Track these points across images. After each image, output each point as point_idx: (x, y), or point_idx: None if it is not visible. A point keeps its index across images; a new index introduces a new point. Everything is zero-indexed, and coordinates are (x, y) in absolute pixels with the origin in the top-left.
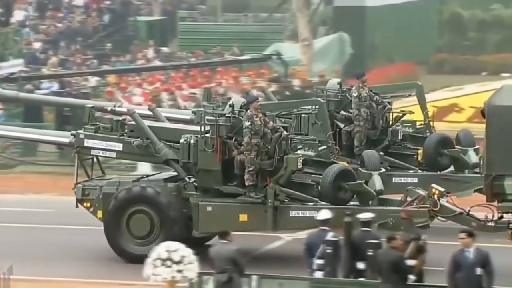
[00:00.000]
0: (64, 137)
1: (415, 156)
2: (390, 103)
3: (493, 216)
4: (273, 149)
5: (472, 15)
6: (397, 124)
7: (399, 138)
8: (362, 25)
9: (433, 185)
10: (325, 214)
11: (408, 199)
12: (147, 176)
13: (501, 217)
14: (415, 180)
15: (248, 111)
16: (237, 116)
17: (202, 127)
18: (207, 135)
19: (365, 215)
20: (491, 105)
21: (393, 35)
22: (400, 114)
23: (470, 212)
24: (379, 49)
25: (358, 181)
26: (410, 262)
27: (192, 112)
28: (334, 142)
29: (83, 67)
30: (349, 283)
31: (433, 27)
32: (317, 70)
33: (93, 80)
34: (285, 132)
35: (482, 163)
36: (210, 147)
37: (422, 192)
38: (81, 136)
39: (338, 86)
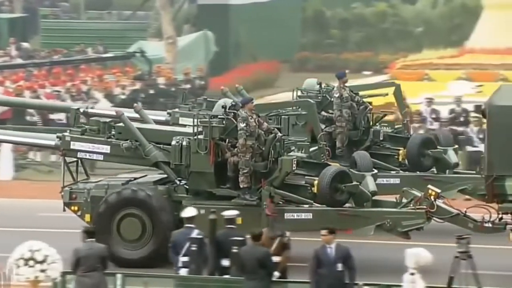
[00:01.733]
0: (50, 139)
1: (396, 157)
2: (370, 103)
3: (490, 217)
4: (268, 151)
5: (334, 13)
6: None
7: (381, 138)
8: (226, 23)
9: (430, 186)
10: (190, 211)
11: (404, 200)
12: (135, 179)
13: (501, 218)
14: (398, 181)
15: (243, 112)
16: (229, 117)
17: (195, 129)
18: (200, 136)
19: (229, 213)
20: (492, 105)
21: (256, 33)
22: (381, 115)
23: (467, 213)
24: (243, 47)
25: (354, 183)
26: (275, 259)
27: (168, 113)
28: (325, 143)
29: None
30: (214, 280)
31: (296, 25)
32: (181, 68)
33: None
34: (279, 134)
35: (483, 163)
36: (203, 149)
37: (418, 193)
38: (67, 138)
39: (318, 86)
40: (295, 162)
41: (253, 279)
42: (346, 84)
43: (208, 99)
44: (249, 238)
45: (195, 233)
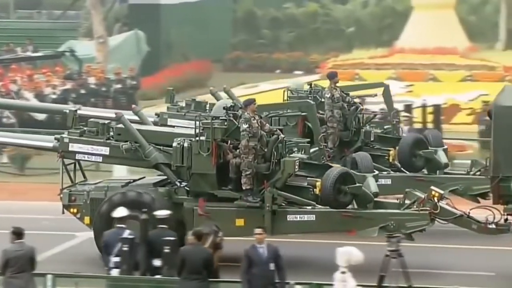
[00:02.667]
0: (48, 141)
1: (386, 158)
2: (361, 104)
3: (494, 218)
4: (270, 152)
5: (265, 13)
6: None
7: (372, 139)
8: (157, 22)
9: (433, 187)
10: (121, 211)
11: (407, 201)
12: (134, 180)
13: (506, 219)
14: (389, 181)
15: (246, 113)
16: (231, 118)
17: (197, 130)
18: (202, 138)
19: (161, 212)
20: (498, 106)
21: (188, 33)
22: (371, 115)
23: (470, 214)
24: (175, 47)
25: (358, 184)
26: None
27: (156, 114)
28: (325, 144)
29: None
30: (145, 280)
31: (227, 25)
32: (112, 68)
33: None
34: (281, 135)
35: (488, 164)
36: (205, 150)
37: (421, 195)
38: (66, 140)
39: (309, 87)
40: (298, 163)
41: (195, 279)
42: (337, 85)
43: (196, 100)
44: (191, 238)
45: (126, 234)
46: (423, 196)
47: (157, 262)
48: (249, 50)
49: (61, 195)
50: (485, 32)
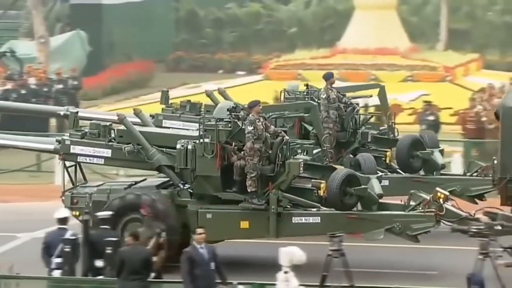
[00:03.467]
0: (49, 143)
1: (383, 159)
2: (358, 104)
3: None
4: (275, 154)
5: (207, 13)
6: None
7: (369, 140)
8: (99, 22)
9: (438, 188)
10: (63, 212)
11: (412, 203)
12: (136, 183)
13: None
14: (386, 182)
15: (250, 115)
16: (235, 120)
17: (201, 132)
18: (206, 140)
19: (103, 213)
20: (505, 106)
21: (130, 33)
22: (368, 116)
23: (475, 216)
24: (117, 47)
25: (363, 186)
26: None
27: (151, 115)
28: (329, 145)
29: None
30: (87, 281)
31: (170, 25)
32: (54, 68)
33: None
34: (286, 137)
35: (496, 165)
36: (210, 152)
37: (426, 196)
38: (67, 142)
39: (305, 88)
40: (302, 165)
41: (135, 280)
42: (333, 85)
43: (191, 101)
44: (130, 239)
45: (68, 234)
46: (428, 198)
47: (99, 263)
48: (191, 50)
49: (63, 198)
50: (426, 33)
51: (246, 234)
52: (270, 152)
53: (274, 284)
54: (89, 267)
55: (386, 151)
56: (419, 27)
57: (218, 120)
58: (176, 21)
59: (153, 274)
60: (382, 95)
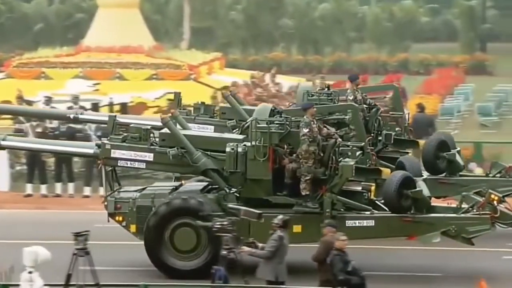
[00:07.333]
0: (88, 148)
1: None
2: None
3: None
4: (328, 157)
5: None
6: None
7: (391, 141)
8: None
9: (491, 190)
10: None
11: (464, 205)
12: (176, 188)
13: None
14: None
15: (305, 117)
16: (287, 122)
17: (252, 135)
18: (258, 143)
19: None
20: None
21: None
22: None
23: None
24: None
25: (418, 189)
26: None
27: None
28: (372, 148)
29: None
30: None
31: None
32: None
33: None
34: (339, 139)
35: None
36: (261, 155)
37: (479, 198)
38: (108, 146)
39: (326, 89)
40: (354, 168)
41: None
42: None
43: (205, 103)
44: None
45: None
46: (481, 200)
47: None
48: None
49: (106, 203)
50: (170, 32)
51: (299, 239)
52: (322, 154)
53: (18, 285)
54: None
55: (408, 153)
56: (163, 26)
57: (269, 123)
58: None
59: None
60: (396, 96)
